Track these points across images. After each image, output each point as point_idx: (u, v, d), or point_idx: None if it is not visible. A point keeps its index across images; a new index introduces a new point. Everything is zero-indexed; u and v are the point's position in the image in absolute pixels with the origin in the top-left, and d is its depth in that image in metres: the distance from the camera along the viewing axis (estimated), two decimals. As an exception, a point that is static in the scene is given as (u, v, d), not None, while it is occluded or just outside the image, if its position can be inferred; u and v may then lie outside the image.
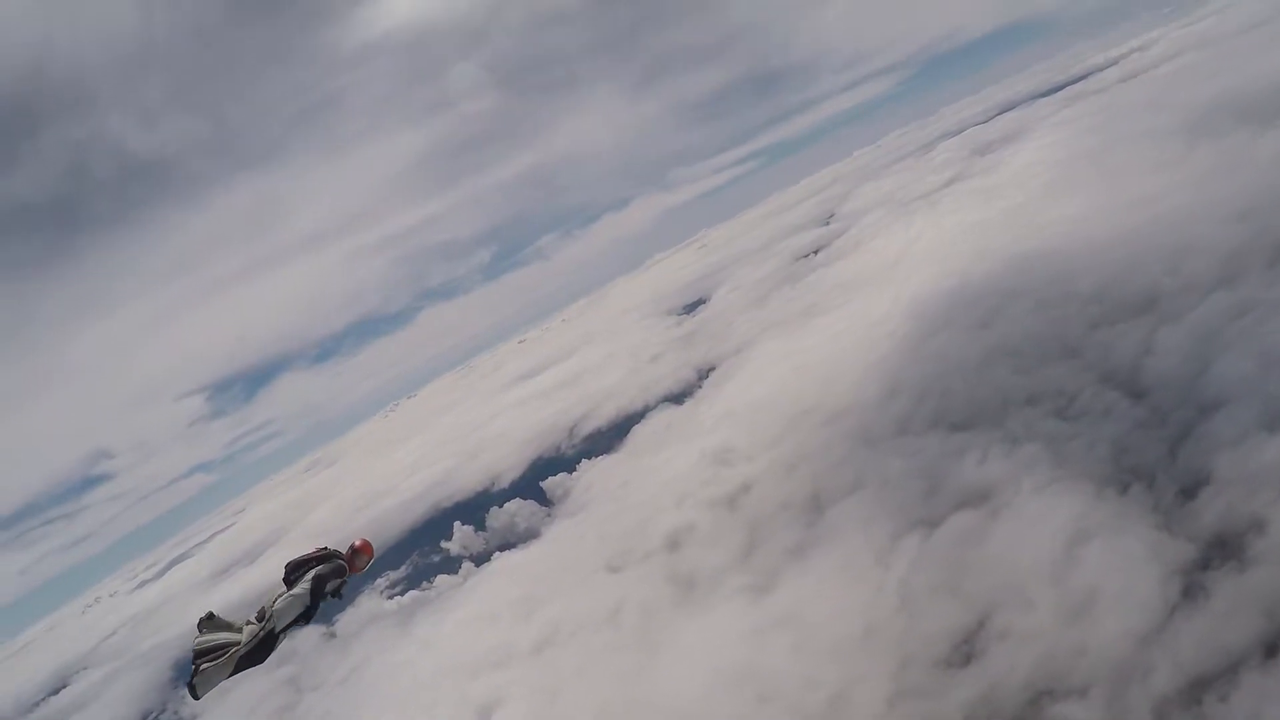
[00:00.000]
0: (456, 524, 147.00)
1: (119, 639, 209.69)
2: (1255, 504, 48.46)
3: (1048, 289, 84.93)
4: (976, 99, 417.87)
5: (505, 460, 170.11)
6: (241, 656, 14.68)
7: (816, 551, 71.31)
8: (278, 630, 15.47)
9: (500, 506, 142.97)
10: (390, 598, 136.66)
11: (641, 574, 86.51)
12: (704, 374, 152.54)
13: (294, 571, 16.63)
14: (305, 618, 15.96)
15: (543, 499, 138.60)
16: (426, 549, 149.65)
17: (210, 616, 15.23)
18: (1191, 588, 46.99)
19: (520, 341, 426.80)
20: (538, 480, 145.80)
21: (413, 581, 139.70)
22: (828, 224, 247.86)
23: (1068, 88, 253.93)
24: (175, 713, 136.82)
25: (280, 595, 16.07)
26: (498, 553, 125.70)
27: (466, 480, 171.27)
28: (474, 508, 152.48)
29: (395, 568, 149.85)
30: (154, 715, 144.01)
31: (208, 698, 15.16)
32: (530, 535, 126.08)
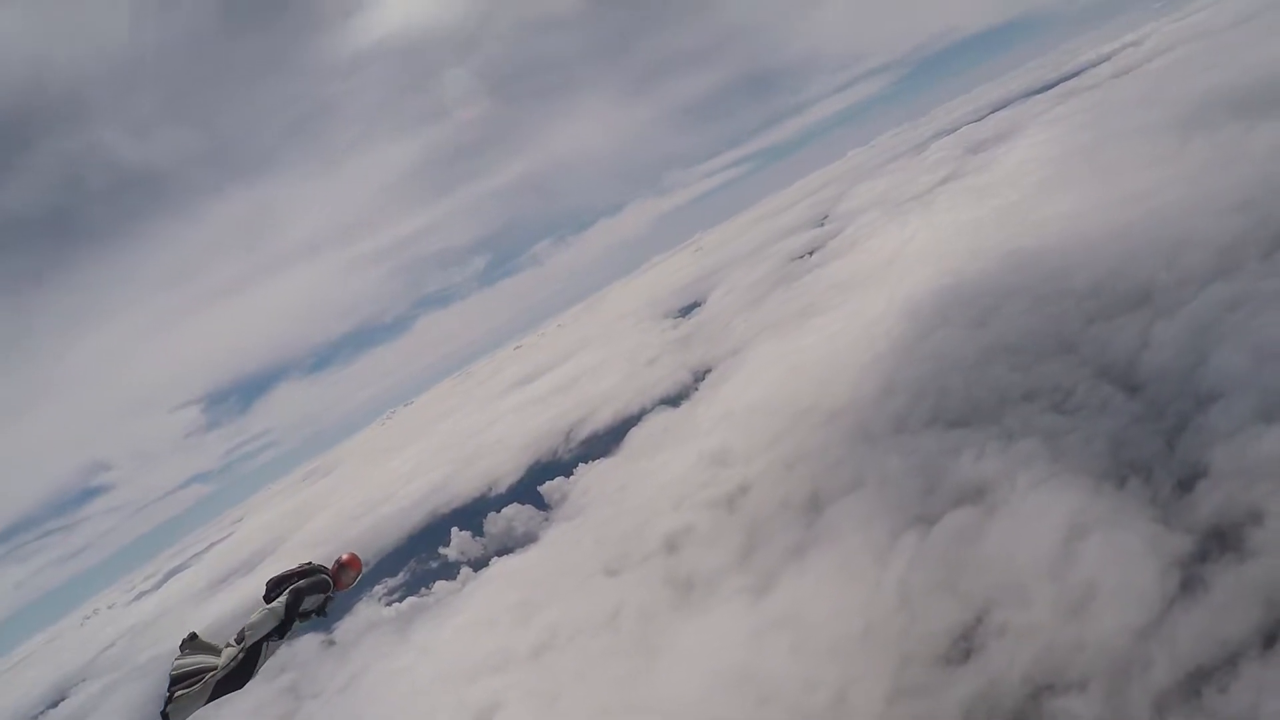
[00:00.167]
0: (454, 530, 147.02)
1: (117, 651, 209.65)
2: (1253, 495, 48.36)
3: (1043, 285, 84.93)
4: (969, 97, 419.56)
5: (502, 465, 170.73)
6: (219, 681, 14.31)
7: (815, 551, 71.21)
8: (250, 646, 14.90)
9: (498, 512, 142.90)
10: (389, 604, 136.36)
11: (640, 577, 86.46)
12: (700, 376, 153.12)
13: (275, 588, 16.14)
14: (280, 633, 15.37)
15: (540, 503, 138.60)
16: (424, 555, 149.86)
17: (193, 637, 14.89)
18: (1190, 580, 46.88)
19: (516, 347, 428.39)
20: (535, 485, 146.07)
21: (411, 588, 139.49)
22: (822, 225, 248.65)
23: (1061, 84, 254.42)
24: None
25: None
26: (496, 558, 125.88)
27: (464, 486, 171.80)
28: (472, 513, 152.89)
29: (394, 574, 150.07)
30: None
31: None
32: (528, 540, 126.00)
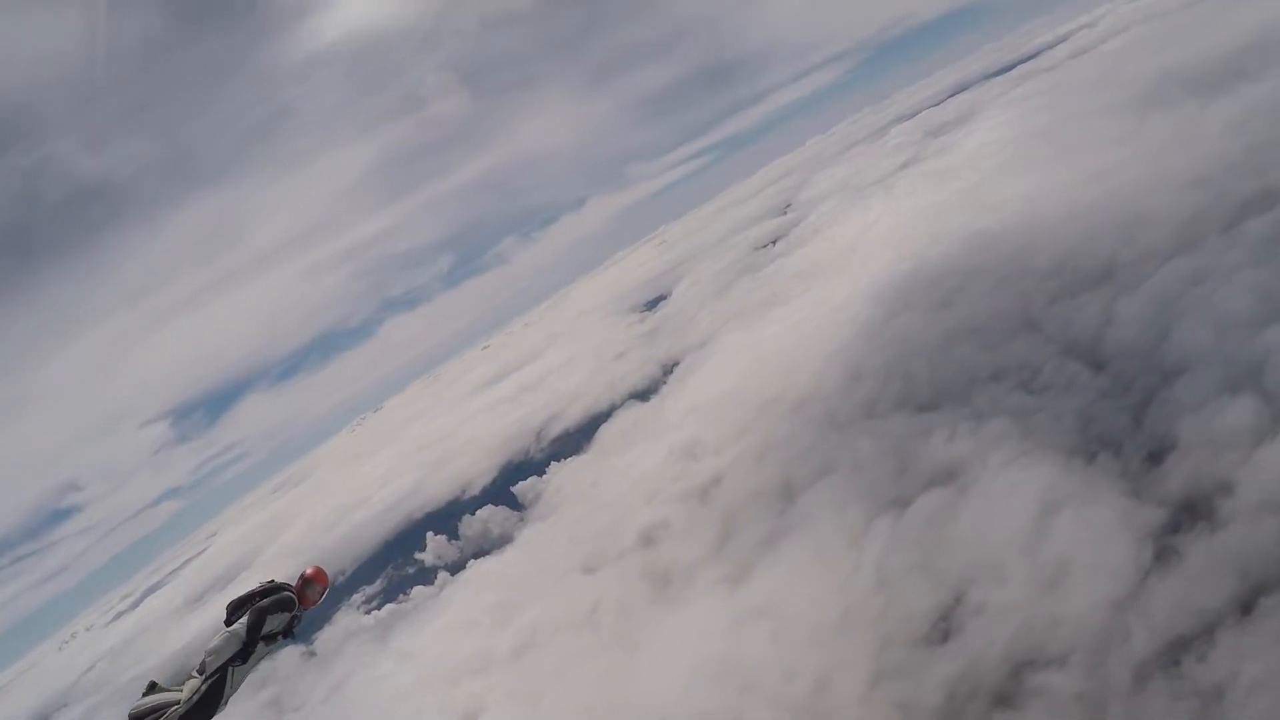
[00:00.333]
0: (429, 534, 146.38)
1: (98, 673, 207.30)
2: (1221, 466, 48.77)
3: (1006, 266, 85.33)
4: (928, 82, 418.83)
5: (475, 467, 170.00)
6: (182, 717, 13.43)
7: (790, 539, 71.29)
8: (214, 675, 14.07)
9: (472, 514, 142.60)
10: (367, 612, 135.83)
11: (617, 573, 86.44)
12: (668, 369, 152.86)
13: (235, 611, 15.27)
14: (243, 657, 14.49)
15: (514, 504, 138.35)
16: (401, 561, 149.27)
17: (153, 686, 14.11)
18: (1164, 552, 47.17)
19: (484, 347, 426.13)
20: (508, 485, 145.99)
21: (389, 595, 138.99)
22: (784, 214, 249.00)
23: (1018, 67, 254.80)
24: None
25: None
26: (472, 560, 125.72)
27: (437, 490, 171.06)
28: (446, 517, 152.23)
29: (370, 582, 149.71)
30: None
31: None
32: (504, 541, 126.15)
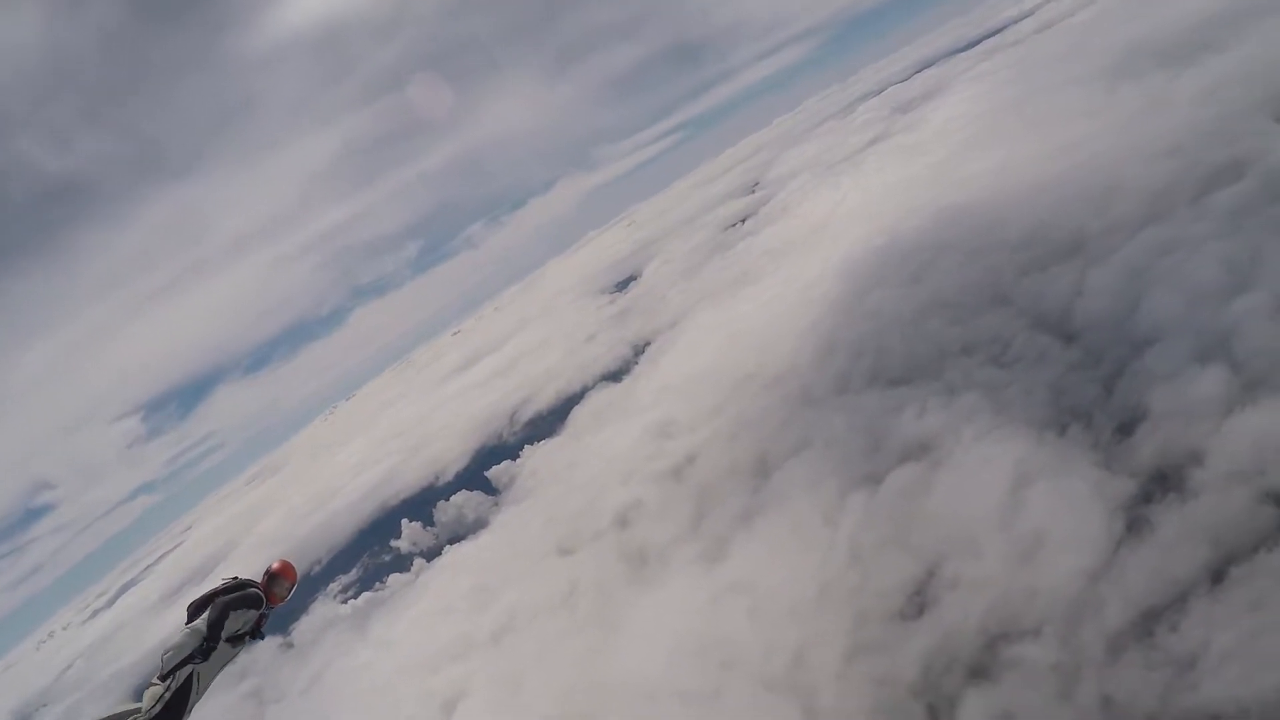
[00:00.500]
0: (404, 521, 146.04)
1: (76, 671, 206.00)
2: (1192, 436, 48.95)
3: (976, 239, 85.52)
4: (895, 58, 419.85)
5: (448, 453, 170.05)
6: None
7: (765, 516, 71.41)
8: (179, 679, 13.00)
9: (447, 500, 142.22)
10: (344, 601, 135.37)
11: (593, 554, 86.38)
12: (640, 350, 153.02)
13: (197, 613, 14.25)
14: (204, 655, 13.41)
15: (489, 488, 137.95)
16: (376, 549, 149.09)
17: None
18: (1136, 522, 47.36)
19: (455, 333, 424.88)
20: (482, 470, 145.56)
21: (365, 583, 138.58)
22: (753, 192, 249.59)
23: (985, 41, 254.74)
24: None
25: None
26: (448, 546, 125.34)
27: (411, 476, 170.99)
28: (420, 503, 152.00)
29: (346, 571, 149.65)
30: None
31: None
32: (479, 526, 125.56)
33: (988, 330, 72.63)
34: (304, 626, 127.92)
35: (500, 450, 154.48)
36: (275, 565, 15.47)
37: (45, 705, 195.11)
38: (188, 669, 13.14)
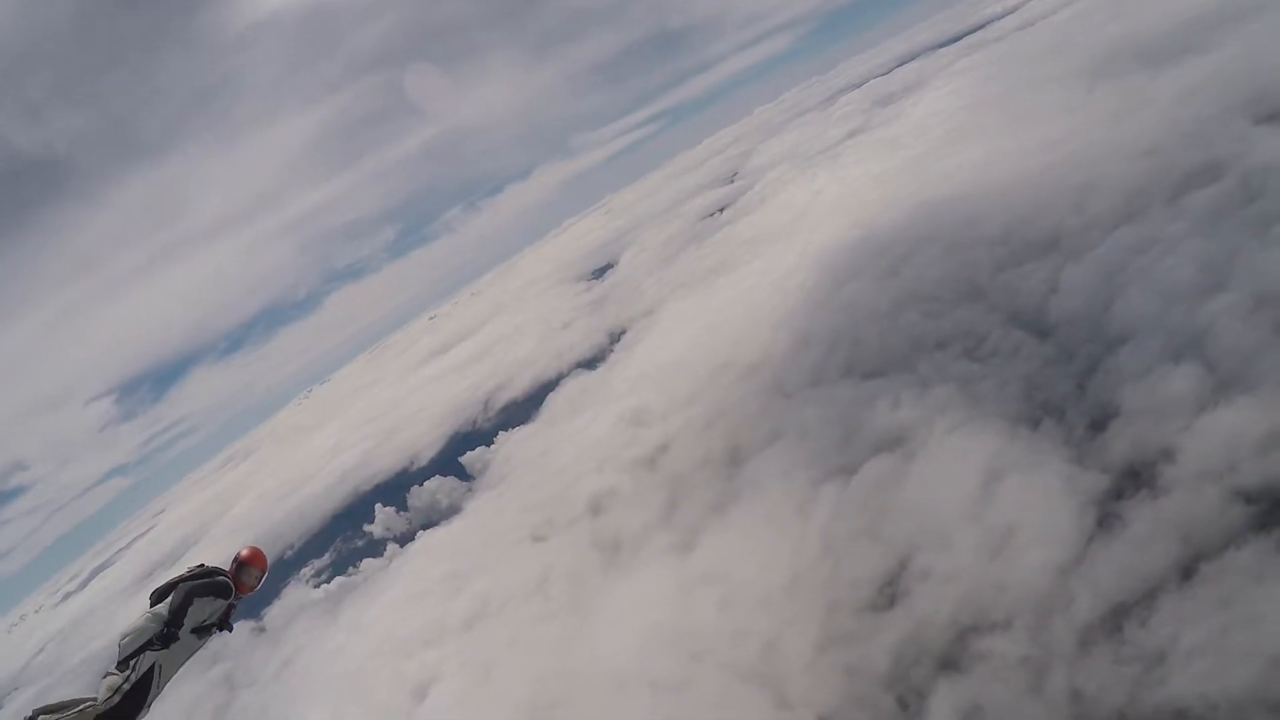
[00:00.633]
0: (378, 506, 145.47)
1: (48, 656, 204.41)
2: (1164, 433, 49.26)
3: (953, 234, 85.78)
4: (876, 51, 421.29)
5: (423, 438, 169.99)
6: (101, 715, 11.75)
7: (738, 505, 71.47)
8: (136, 667, 12.19)
9: (420, 485, 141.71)
10: (317, 586, 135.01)
11: (566, 541, 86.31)
12: (616, 338, 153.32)
13: (160, 600, 13.33)
14: (163, 641, 12.55)
15: (463, 474, 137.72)
16: (350, 534, 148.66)
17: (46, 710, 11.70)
18: (1107, 518, 47.61)
19: (431, 318, 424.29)
20: (456, 456, 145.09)
21: (338, 568, 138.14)
22: (732, 182, 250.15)
23: (967, 37, 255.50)
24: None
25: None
26: (421, 532, 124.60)
27: (385, 461, 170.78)
28: (394, 488, 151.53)
29: (319, 555, 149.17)
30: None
31: None
32: (453, 511, 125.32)
33: (963, 324, 72.89)
34: (276, 611, 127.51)
35: (475, 436, 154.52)
36: (244, 552, 14.71)
37: (16, 689, 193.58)
38: (149, 659, 12.43)
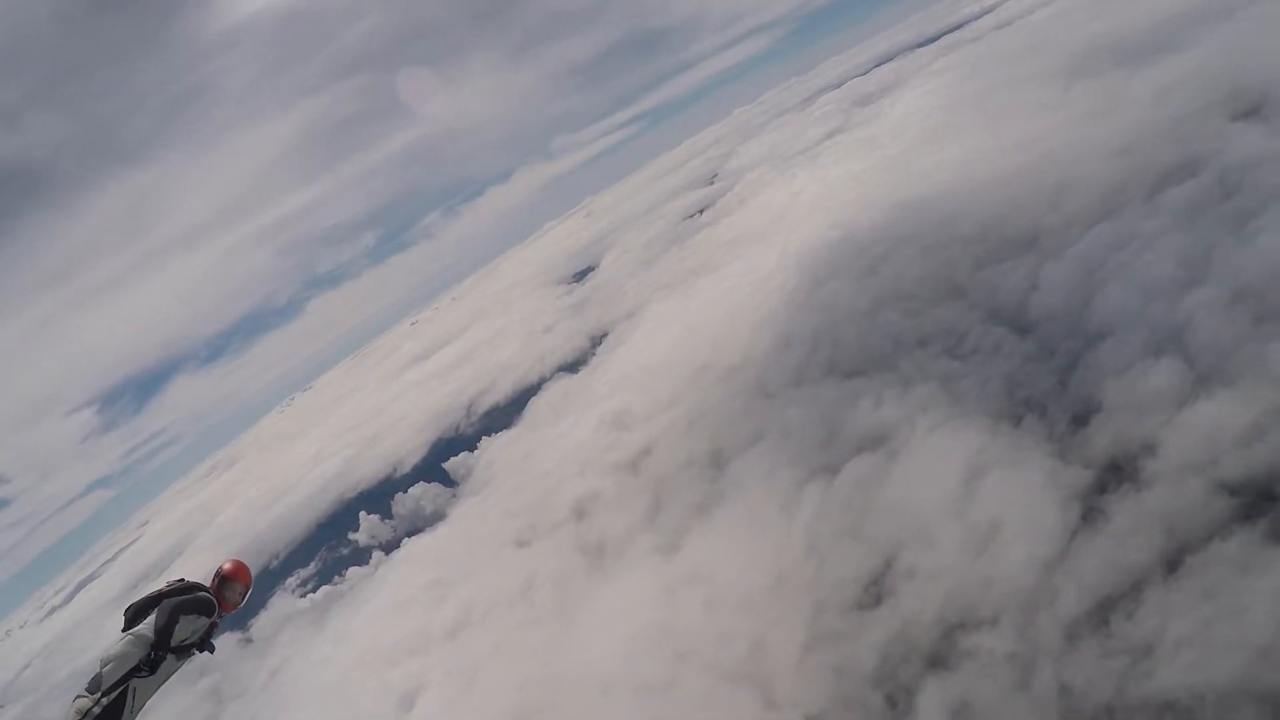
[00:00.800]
0: (362, 514, 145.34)
1: (33, 672, 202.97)
2: (1145, 427, 49.47)
3: (932, 233, 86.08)
4: (855, 52, 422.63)
5: (405, 445, 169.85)
6: None
7: (721, 507, 71.51)
8: (112, 691, 11.55)
9: (404, 492, 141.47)
10: (303, 595, 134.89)
11: (551, 546, 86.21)
12: (597, 341, 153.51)
13: (136, 618, 12.63)
14: (151, 667, 11.98)
15: (446, 480, 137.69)
16: (334, 542, 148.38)
17: None
18: (1091, 512, 47.72)
19: (412, 323, 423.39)
20: (439, 462, 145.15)
21: (324, 577, 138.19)
22: (711, 183, 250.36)
23: (944, 37, 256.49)
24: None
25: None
26: (406, 538, 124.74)
27: (368, 468, 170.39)
28: (378, 495, 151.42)
29: (305, 564, 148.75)
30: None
31: None
32: (437, 518, 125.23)
33: (943, 322, 73.15)
34: (262, 621, 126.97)
35: (458, 442, 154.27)
36: (227, 566, 13.94)
37: (3, 706, 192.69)
38: (125, 683, 11.79)
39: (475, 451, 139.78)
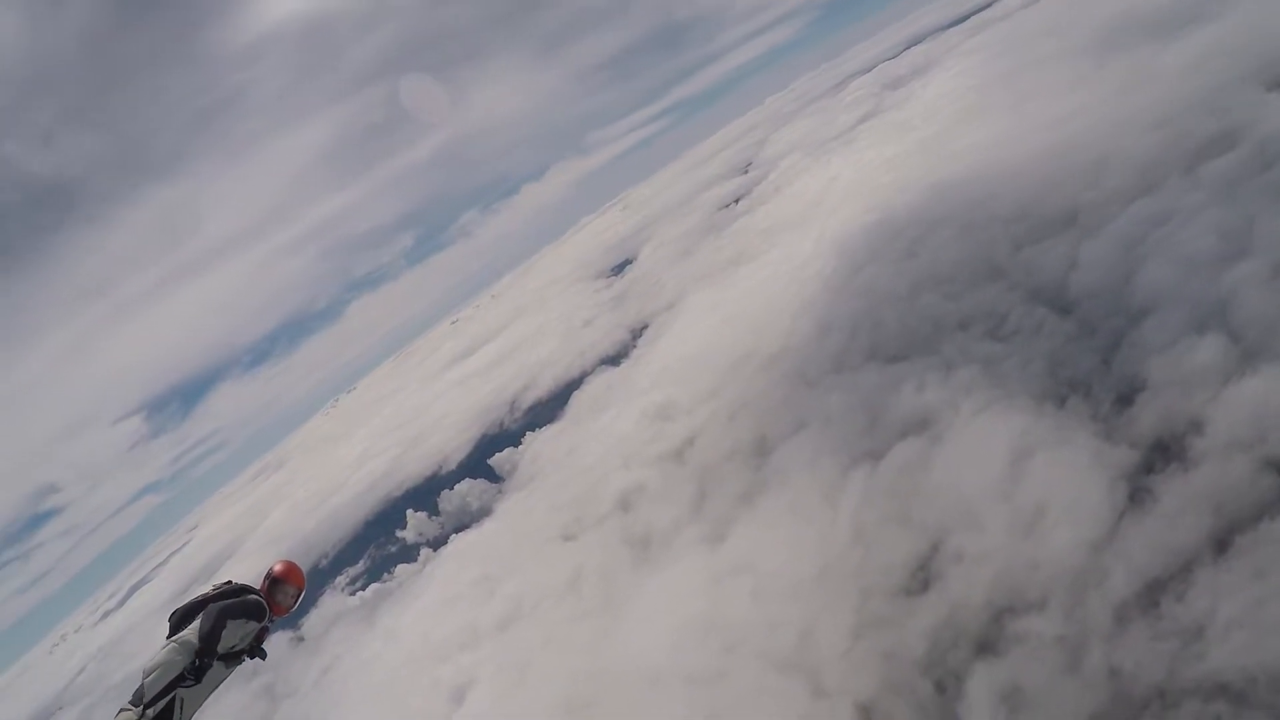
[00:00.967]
0: (409, 511, 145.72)
1: (89, 674, 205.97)
2: (1191, 405, 48.92)
3: (969, 214, 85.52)
4: (884, 35, 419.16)
5: (450, 442, 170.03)
6: None
7: (766, 495, 71.31)
8: (153, 699, 11.04)
9: (451, 489, 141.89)
10: (353, 593, 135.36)
11: (597, 539, 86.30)
12: (637, 333, 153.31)
13: (181, 623, 12.38)
14: (194, 674, 11.48)
15: (492, 476, 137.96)
16: (383, 540, 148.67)
17: None
18: (1138, 492, 47.36)
19: (453, 322, 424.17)
20: (485, 458, 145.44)
21: (373, 574, 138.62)
22: (746, 172, 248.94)
23: (973, 16, 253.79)
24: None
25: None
26: (453, 535, 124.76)
27: (414, 467, 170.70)
28: (425, 493, 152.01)
29: (354, 563, 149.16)
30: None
31: None
32: (483, 514, 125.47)
33: (983, 304, 72.63)
34: (313, 620, 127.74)
35: (502, 437, 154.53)
36: (278, 568, 13.33)
37: (60, 709, 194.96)
38: (170, 693, 11.26)
39: (519, 447, 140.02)
